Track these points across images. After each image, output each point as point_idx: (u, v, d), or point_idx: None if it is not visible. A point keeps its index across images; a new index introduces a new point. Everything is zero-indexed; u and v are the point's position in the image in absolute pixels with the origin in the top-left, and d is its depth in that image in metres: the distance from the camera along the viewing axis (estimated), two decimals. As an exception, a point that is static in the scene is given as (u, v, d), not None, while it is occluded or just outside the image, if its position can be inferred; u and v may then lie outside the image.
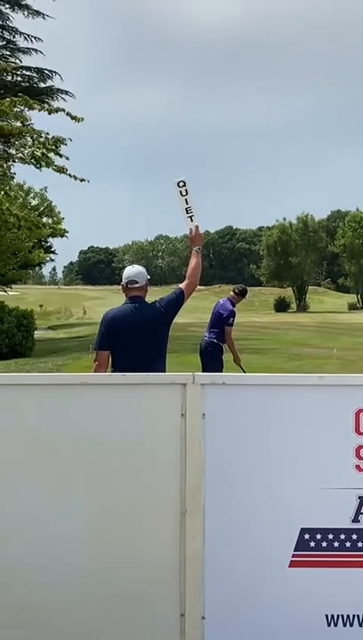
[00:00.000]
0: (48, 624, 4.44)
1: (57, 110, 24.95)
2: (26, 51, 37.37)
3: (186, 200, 6.69)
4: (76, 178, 25.13)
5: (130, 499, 4.45)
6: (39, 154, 24.81)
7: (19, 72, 34.66)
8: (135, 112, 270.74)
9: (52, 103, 32.51)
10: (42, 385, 4.61)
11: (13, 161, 28.45)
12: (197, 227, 6.76)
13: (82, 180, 25.19)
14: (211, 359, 12.79)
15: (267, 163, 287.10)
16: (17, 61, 36.34)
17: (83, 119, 24.31)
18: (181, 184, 6.66)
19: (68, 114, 24.23)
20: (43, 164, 25.15)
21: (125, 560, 4.45)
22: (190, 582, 4.41)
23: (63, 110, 24.54)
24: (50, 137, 24.82)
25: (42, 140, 24.87)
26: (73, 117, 24.28)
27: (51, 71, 36.51)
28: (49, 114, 24.63)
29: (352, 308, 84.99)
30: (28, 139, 25.23)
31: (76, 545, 4.45)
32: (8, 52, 37.57)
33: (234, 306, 13.04)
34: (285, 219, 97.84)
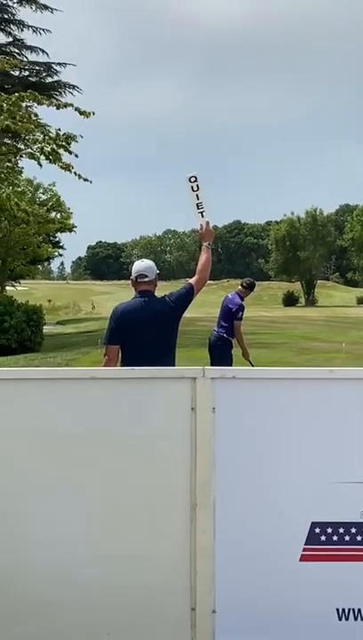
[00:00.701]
0: (59, 619, 4.44)
1: (65, 105, 24.79)
2: (33, 48, 37.39)
3: (197, 195, 6.68)
4: (80, 177, 25.05)
5: (140, 493, 4.44)
6: (49, 149, 24.70)
7: (26, 66, 34.64)
8: (143, 108, 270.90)
9: (60, 98, 32.52)
10: (51, 379, 4.60)
11: (21, 156, 28.40)
12: (207, 222, 6.76)
13: (85, 180, 25.10)
14: (220, 354, 12.77)
15: (275, 157, 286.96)
16: (24, 59, 36.34)
17: (94, 114, 24.16)
18: (193, 179, 6.65)
19: (76, 109, 24.11)
20: (51, 159, 25.05)
21: (136, 554, 4.45)
22: (201, 576, 4.40)
23: (72, 105, 24.42)
24: (61, 133, 24.72)
25: (52, 135, 24.77)
26: (81, 112, 24.15)
27: (59, 64, 36.51)
28: (57, 108, 24.47)
29: (361, 301, 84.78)
30: (39, 134, 25.12)
31: (87, 539, 4.45)
32: (16, 50, 37.56)
33: (242, 300, 13.01)
34: (293, 213, 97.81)
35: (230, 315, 12.90)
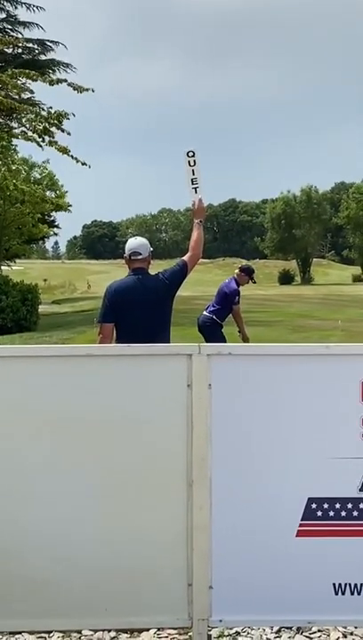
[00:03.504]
0: (56, 596, 4.45)
1: (58, 81, 24.61)
2: (27, 24, 37.02)
3: (193, 171, 6.67)
4: (77, 161, 24.92)
5: (137, 470, 4.44)
6: (41, 127, 24.52)
7: (20, 44, 34.34)
8: (139, 86, 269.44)
9: (53, 76, 32.24)
10: (47, 357, 4.57)
11: (16, 137, 28.22)
12: (200, 199, 6.74)
13: (83, 164, 24.96)
14: (211, 333, 12.61)
15: (270, 135, 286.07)
16: (18, 35, 35.97)
17: (93, 91, 23.89)
18: (191, 154, 6.64)
19: (70, 84, 23.90)
20: (45, 138, 24.89)
21: (133, 531, 4.45)
22: (198, 552, 4.41)
23: (65, 81, 24.23)
24: (53, 111, 24.53)
25: (44, 113, 24.60)
26: (75, 88, 23.92)
27: (53, 42, 36.18)
28: (50, 85, 24.30)
29: (357, 279, 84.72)
30: (30, 115, 24.92)
31: (83, 516, 4.46)
32: (9, 26, 37.21)
33: (238, 285, 12.80)
34: (289, 191, 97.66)
35: (225, 298, 12.76)
